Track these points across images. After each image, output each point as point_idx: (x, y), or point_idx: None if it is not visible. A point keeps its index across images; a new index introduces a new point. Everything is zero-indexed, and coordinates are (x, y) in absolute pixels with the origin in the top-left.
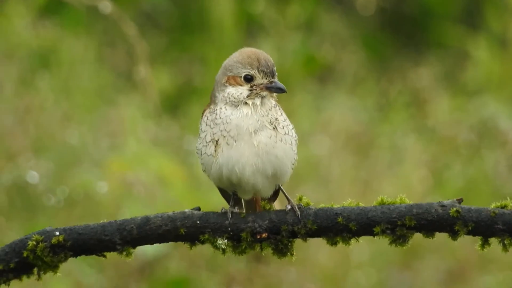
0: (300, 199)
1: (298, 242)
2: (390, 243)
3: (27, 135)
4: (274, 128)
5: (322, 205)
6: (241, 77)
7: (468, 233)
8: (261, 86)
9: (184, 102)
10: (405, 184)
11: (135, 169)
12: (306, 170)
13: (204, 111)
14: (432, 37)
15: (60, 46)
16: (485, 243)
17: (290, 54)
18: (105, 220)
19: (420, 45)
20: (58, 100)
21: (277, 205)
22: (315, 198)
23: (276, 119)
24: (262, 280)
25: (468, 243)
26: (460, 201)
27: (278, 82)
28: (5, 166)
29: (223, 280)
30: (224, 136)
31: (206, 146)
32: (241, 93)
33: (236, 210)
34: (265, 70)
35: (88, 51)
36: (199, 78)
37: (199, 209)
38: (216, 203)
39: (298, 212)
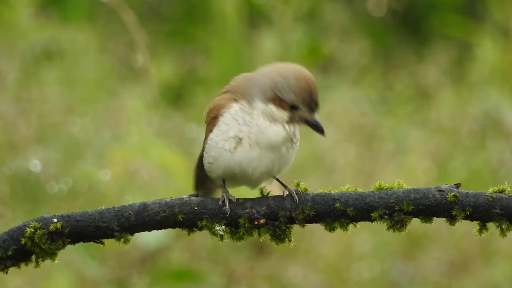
0: (298, 184)
1: (301, 234)
2: (388, 228)
3: (30, 126)
4: (291, 141)
5: (320, 191)
6: (287, 103)
7: (466, 218)
8: (302, 118)
9: (187, 93)
10: (409, 176)
11: (138, 160)
12: (309, 162)
13: (220, 98)
14: (435, 28)
15: (63, 37)
16: (482, 228)
17: (293, 44)
18: (103, 207)
19: (424, 36)
20: (60, 91)
21: (275, 191)
22: (318, 189)
23: (295, 133)
24: (265, 272)
25: (470, 234)
26: (458, 186)
27: (319, 121)
28: (8, 157)
29: (225, 272)
30: (250, 138)
31: (226, 140)
32: (281, 117)
33: (232, 197)
34: (313, 106)
35: (90, 41)
36: (202, 68)
37: (197, 195)
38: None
39: (296, 198)
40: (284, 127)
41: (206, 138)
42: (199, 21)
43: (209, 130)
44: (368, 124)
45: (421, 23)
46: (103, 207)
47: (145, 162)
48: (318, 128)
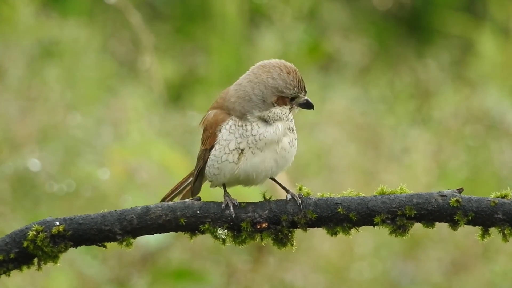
0: (300, 189)
1: (302, 233)
2: (390, 233)
3: (31, 124)
4: (291, 131)
5: (320, 194)
6: (289, 97)
7: (468, 223)
8: (297, 103)
9: (187, 91)
10: (410, 175)
11: (138, 159)
12: (311, 161)
13: (214, 114)
14: (436, 26)
15: (63, 35)
16: (485, 233)
17: (294, 43)
18: (106, 210)
19: (424, 34)
20: (61, 89)
21: (277, 194)
22: (319, 189)
23: (292, 121)
24: (265, 271)
25: (471, 234)
26: (460, 190)
27: (309, 99)
28: (9, 156)
29: (225, 271)
30: (250, 147)
31: (229, 153)
32: (285, 113)
33: (235, 201)
34: (306, 89)
35: (91, 40)
36: (202, 67)
37: (199, 199)
38: (217, 193)
39: (300, 201)
40: (284, 121)
41: (206, 150)
42: (199, 20)
43: (210, 143)
44: (369, 123)
45: (422, 21)
46: (106, 210)
47: (145, 161)
48: (309, 105)
